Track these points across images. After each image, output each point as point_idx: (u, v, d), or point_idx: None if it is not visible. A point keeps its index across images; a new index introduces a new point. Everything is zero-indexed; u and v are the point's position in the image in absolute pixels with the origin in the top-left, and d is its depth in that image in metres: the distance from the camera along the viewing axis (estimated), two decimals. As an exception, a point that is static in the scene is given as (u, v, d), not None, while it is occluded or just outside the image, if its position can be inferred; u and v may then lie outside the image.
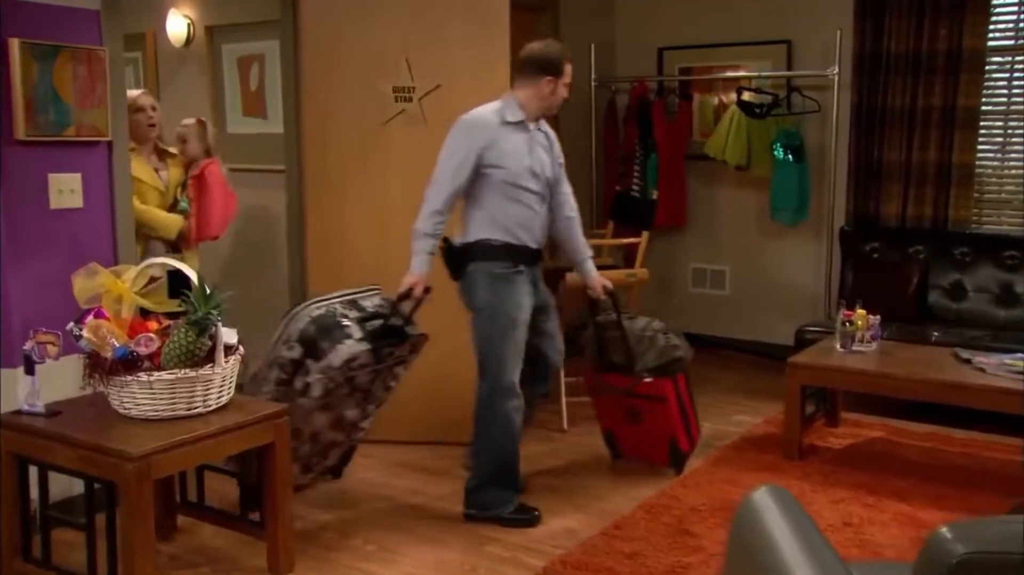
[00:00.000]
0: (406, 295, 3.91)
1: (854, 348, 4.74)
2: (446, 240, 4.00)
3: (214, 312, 3.21)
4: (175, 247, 4.75)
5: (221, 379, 3.30)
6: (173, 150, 4.86)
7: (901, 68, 5.98)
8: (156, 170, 4.76)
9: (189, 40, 5.97)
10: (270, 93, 5.58)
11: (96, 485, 3.23)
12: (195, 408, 3.25)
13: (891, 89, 6.02)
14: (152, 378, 3.15)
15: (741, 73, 6.39)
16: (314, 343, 3.78)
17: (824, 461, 4.69)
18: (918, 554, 1.70)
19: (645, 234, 5.43)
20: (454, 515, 4.10)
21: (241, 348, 3.39)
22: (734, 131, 6.08)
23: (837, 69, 5.99)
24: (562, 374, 5.24)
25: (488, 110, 4.00)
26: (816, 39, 6.22)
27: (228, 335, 3.32)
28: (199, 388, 3.24)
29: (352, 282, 4.74)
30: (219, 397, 3.32)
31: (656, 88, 6.80)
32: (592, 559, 3.66)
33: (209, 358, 3.24)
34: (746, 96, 6.19)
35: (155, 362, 3.20)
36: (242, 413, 3.35)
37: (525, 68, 4.01)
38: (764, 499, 2.38)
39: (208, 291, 3.22)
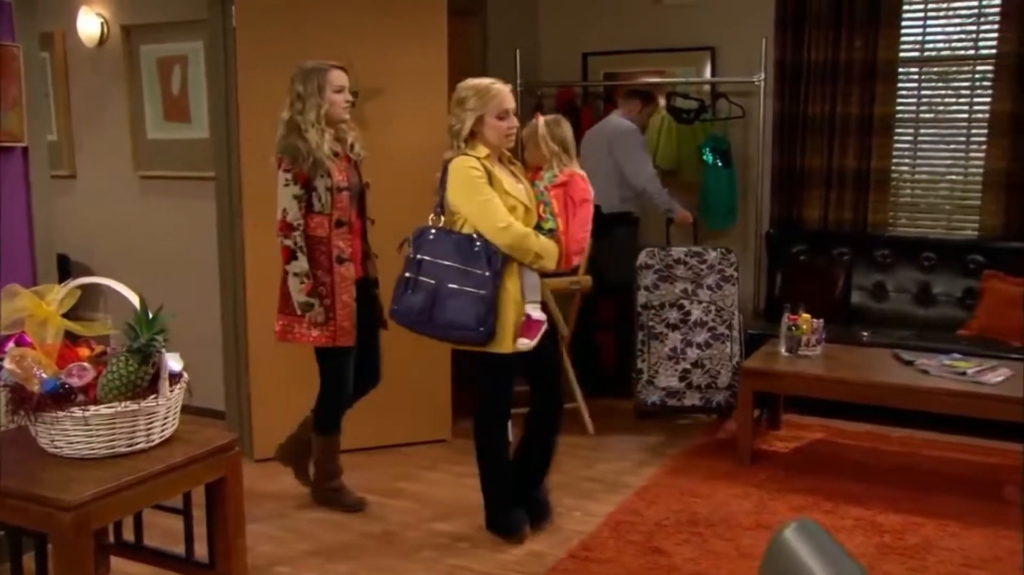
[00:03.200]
0: None
1: (800, 353, 4.47)
2: None
3: (158, 338, 2.67)
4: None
5: (166, 410, 2.75)
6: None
7: (820, 77, 5.78)
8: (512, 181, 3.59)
9: (103, 40, 5.30)
10: (194, 97, 4.97)
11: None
12: (137, 444, 2.69)
13: (811, 97, 5.81)
14: (88, 413, 2.58)
15: (667, 79, 6.08)
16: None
17: (776, 466, 4.40)
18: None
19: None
20: (416, 542, 3.64)
21: (186, 375, 2.85)
22: (664, 136, 5.77)
23: (763, 76, 5.73)
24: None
25: None
26: (739, 47, 5.95)
27: (173, 362, 2.78)
28: (142, 422, 2.69)
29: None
30: (163, 430, 2.78)
31: (582, 93, 6.44)
32: (566, 586, 3.26)
33: (152, 388, 2.70)
34: (676, 102, 5.88)
35: (90, 395, 2.64)
36: (190, 446, 2.81)
37: None
38: (797, 536, 2.06)
39: (150, 315, 2.68)
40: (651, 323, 5.09)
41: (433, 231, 3.48)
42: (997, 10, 5.44)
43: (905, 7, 5.66)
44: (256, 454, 4.48)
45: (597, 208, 4.63)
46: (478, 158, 3.43)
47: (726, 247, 5.38)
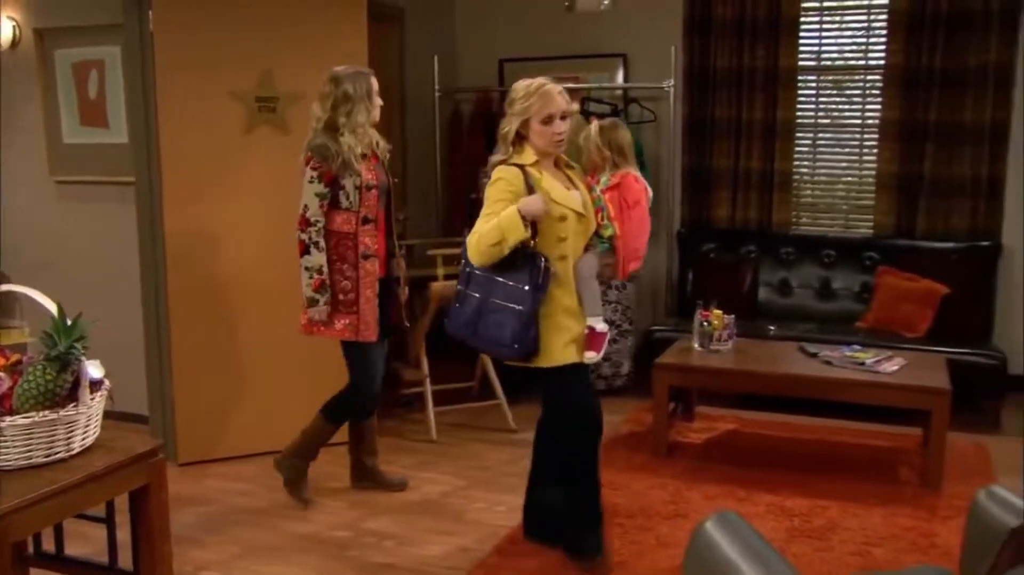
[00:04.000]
0: None
1: (712, 347, 4.51)
2: None
3: (77, 345, 2.54)
4: None
5: (87, 419, 2.62)
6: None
7: (726, 83, 5.87)
8: (566, 187, 3.23)
9: (15, 43, 5.06)
10: (112, 101, 4.77)
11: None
12: (56, 454, 2.55)
13: (718, 102, 5.89)
14: (3, 424, 2.45)
15: (581, 85, 6.07)
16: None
17: (691, 457, 4.43)
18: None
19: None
20: (343, 542, 3.55)
21: (107, 382, 2.72)
22: (580, 139, 5.74)
23: (673, 82, 5.78)
24: (428, 384, 4.78)
25: None
26: (650, 53, 5.99)
27: (93, 369, 2.65)
28: (60, 431, 2.55)
29: (217, 295, 4.15)
30: (84, 438, 2.64)
31: (499, 98, 6.39)
32: (495, 580, 3.21)
33: (72, 396, 2.57)
34: (590, 106, 5.87)
35: (5, 405, 2.50)
36: (112, 454, 2.67)
37: None
38: (717, 528, 2.06)
39: (69, 321, 2.54)
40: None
41: None
42: (884, 25, 5.61)
43: (802, 19, 5.79)
44: (181, 458, 4.33)
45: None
46: (521, 166, 3.12)
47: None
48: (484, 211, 3.08)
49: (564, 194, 3.16)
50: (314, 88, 4.30)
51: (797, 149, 5.93)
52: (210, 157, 4.22)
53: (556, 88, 3.18)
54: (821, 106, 5.96)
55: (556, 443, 3.31)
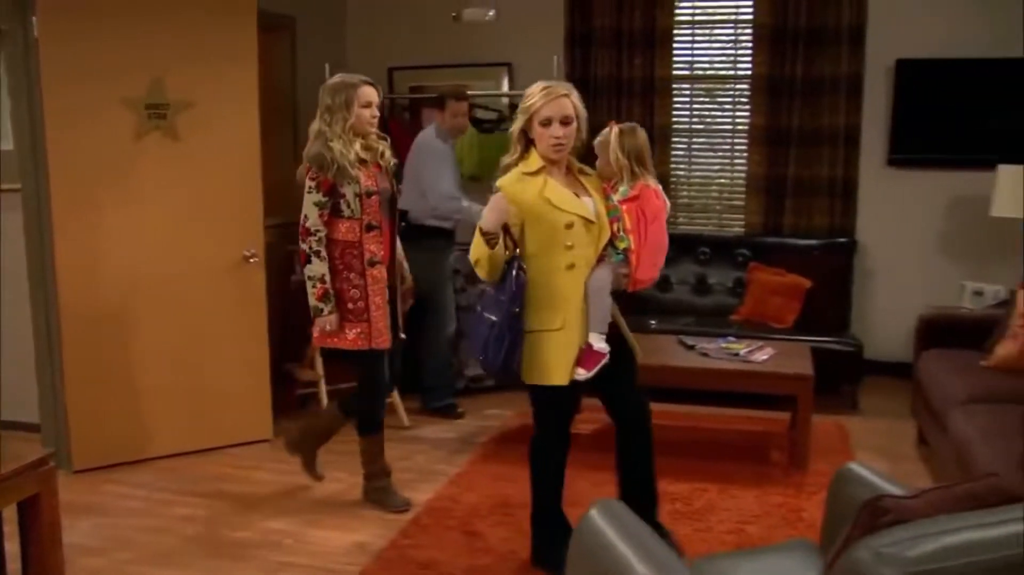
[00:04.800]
0: None
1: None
2: None
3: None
4: None
5: (-28, 430, 2.51)
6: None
7: (606, 90, 5.99)
8: (576, 193, 3.04)
9: None
10: (-4, 107, 4.55)
11: None
12: (-59, 466, 2.45)
13: (599, 108, 5.97)
14: None
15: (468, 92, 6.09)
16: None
17: (578, 448, 4.32)
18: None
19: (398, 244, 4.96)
20: (243, 542, 3.48)
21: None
22: (467, 145, 5.77)
23: (556, 91, 5.85)
24: (323, 384, 4.72)
25: None
26: (534, 63, 6.05)
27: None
28: (-55, 444, 2.44)
29: (109, 301, 4.01)
30: (-30, 450, 2.53)
31: (389, 105, 6.36)
32: (391, 573, 3.19)
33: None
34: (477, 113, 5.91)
35: None
36: (-1, 465, 2.58)
37: None
38: (601, 515, 2.12)
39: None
40: (464, 324, 5.10)
41: None
42: (750, 38, 5.82)
43: (676, 32, 5.96)
44: (76, 465, 4.17)
45: (404, 214, 4.59)
46: (526, 173, 2.96)
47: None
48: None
49: (571, 200, 2.96)
50: (204, 96, 4.24)
51: (674, 153, 6.09)
52: (100, 164, 4.07)
53: (563, 90, 2.96)
54: (695, 113, 6.14)
55: (534, 459, 3.19)
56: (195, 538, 3.53)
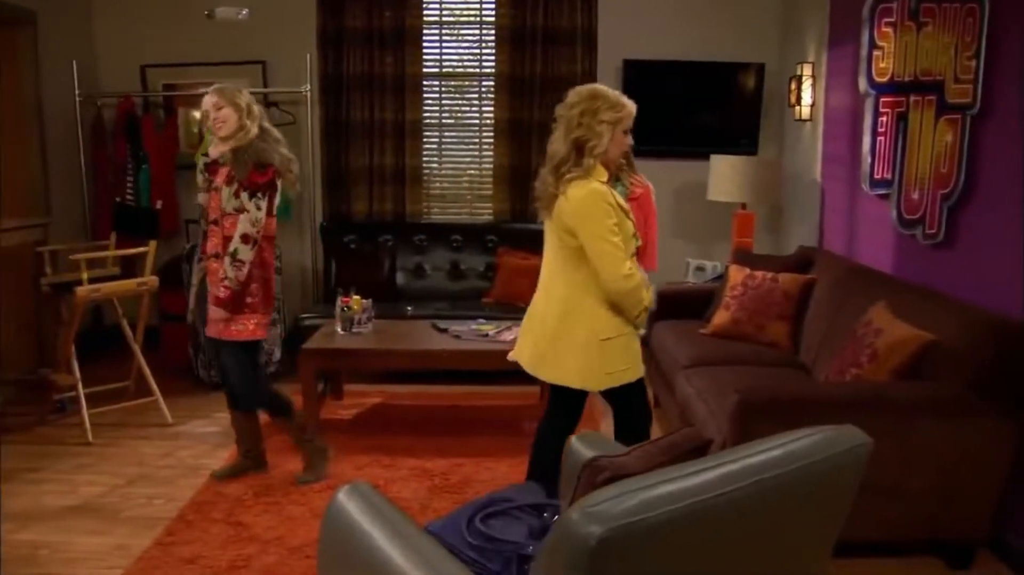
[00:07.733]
0: None
1: (354, 331, 4.66)
2: None
3: None
4: None
5: None
6: None
7: (359, 87, 6.03)
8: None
9: None
10: None
11: None
12: None
13: (353, 105, 6.05)
14: None
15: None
16: None
17: (340, 432, 4.56)
18: (548, 544, 1.59)
19: (152, 243, 4.79)
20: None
21: None
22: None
23: (309, 87, 5.85)
24: (80, 388, 4.50)
25: None
26: (287, 61, 6.01)
27: None
28: None
29: None
30: None
31: (143, 103, 6.08)
32: (152, 572, 3.15)
33: None
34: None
35: None
36: None
37: None
38: (349, 497, 2.23)
39: None
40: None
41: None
42: (493, 38, 6.07)
43: (425, 31, 6.10)
44: None
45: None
46: (602, 182, 2.85)
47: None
48: (614, 237, 2.83)
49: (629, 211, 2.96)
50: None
51: (425, 146, 6.24)
52: None
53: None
54: (445, 108, 6.31)
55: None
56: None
